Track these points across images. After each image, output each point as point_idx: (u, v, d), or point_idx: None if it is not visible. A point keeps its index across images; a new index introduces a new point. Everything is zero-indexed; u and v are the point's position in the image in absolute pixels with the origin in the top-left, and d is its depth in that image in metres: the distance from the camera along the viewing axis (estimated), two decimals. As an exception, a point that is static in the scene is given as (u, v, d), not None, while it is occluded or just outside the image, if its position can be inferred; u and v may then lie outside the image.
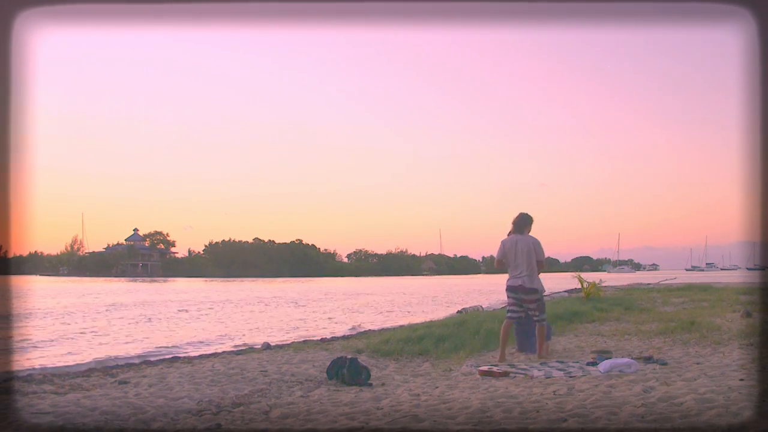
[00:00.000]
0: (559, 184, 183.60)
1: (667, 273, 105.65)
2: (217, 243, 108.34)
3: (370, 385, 5.76)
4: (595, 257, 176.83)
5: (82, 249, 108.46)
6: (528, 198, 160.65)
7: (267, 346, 9.39)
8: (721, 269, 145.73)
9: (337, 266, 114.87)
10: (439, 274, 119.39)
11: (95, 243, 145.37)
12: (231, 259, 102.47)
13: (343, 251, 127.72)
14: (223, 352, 9.31)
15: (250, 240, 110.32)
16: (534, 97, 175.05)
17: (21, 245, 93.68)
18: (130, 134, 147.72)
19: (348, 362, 5.98)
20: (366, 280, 74.67)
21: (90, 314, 19.67)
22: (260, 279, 78.73)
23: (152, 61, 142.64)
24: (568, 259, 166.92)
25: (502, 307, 13.95)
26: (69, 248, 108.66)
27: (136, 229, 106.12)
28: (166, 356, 9.10)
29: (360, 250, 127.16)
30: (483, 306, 18.65)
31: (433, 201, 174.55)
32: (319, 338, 11.06)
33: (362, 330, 13.34)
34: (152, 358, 8.77)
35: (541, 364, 6.73)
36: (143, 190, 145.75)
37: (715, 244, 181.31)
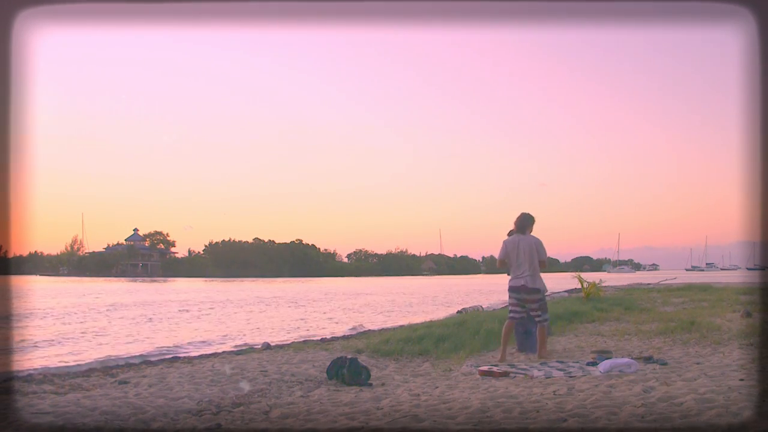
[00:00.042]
0: (559, 184, 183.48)
1: (667, 273, 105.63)
2: (217, 243, 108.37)
3: (370, 385, 5.76)
4: (595, 257, 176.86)
5: (82, 249, 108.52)
6: (528, 198, 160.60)
7: (267, 346, 9.39)
8: (721, 269, 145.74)
9: (337, 266, 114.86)
10: (439, 274, 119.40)
11: (95, 243, 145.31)
12: (231, 259, 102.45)
13: (343, 251, 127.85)
14: (223, 352, 9.32)
15: (250, 240, 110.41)
16: (534, 97, 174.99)
17: (21, 245, 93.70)
18: (130, 134, 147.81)
19: (348, 362, 5.98)
20: (366, 280, 74.67)
21: (90, 314, 19.67)
22: (260, 279, 78.72)
23: (152, 61, 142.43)
24: (568, 259, 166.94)
25: (503, 307, 13.98)
26: (69, 248, 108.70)
27: (136, 229, 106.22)
28: (166, 356, 9.10)
29: (360, 250, 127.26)
30: (483, 306, 18.65)
31: (433, 201, 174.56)
32: (319, 338, 11.06)
33: (362, 330, 13.34)
34: (152, 358, 8.77)
35: (541, 364, 6.73)
36: (143, 190, 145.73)
37: (715, 244, 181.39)
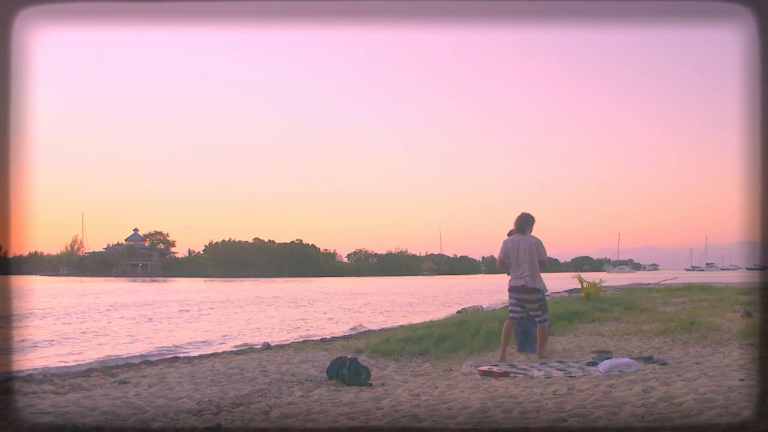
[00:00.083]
0: (559, 184, 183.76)
1: (667, 273, 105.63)
2: (217, 243, 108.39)
3: (370, 385, 5.76)
4: (595, 257, 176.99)
5: (82, 249, 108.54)
6: (528, 198, 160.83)
7: (267, 346, 9.39)
8: (721, 269, 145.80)
9: (337, 266, 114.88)
10: (439, 274, 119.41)
11: (95, 243, 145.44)
12: (231, 259, 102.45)
13: (343, 251, 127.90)
14: (223, 352, 9.32)
15: (250, 240, 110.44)
16: (534, 97, 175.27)
17: (21, 245, 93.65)
18: (130, 134, 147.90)
19: (348, 362, 5.98)
20: (366, 280, 74.66)
21: (90, 314, 19.67)
22: (260, 279, 78.72)
23: (152, 61, 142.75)
24: (568, 259, 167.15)
25: (503, 307, 13.97)
26: (69, 248, 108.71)
27: (136, 229, 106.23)
28: (166, 356, 9.10)
29: (360, 250, 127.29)
30: (483, 306, 18.66)
31: (433, 201, 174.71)
32: (319, 338, 11.06)
33: (362, 330, 13.34)
34: (152, 358, 8.77)
35: (541, 364, 6.73)
36: (143, 190, 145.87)
37: (715, 244, 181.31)
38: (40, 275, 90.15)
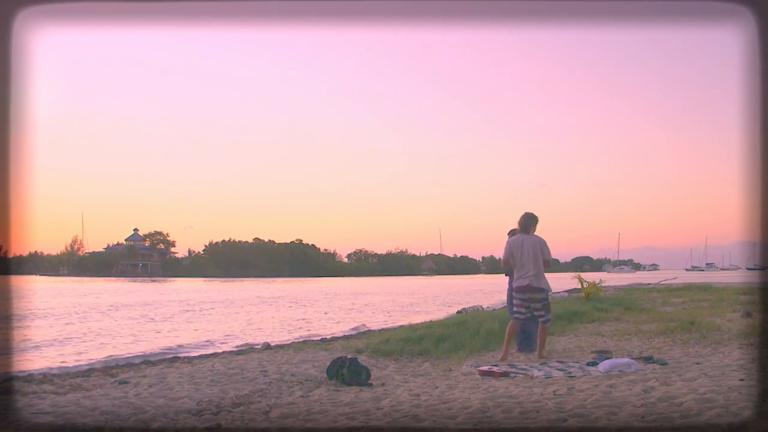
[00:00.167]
0: (559, 184, 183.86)
1: (667, 273, 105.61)
2: (217, 243, 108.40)
3: (370, 385, 5.76)
4: (595, 257, 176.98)
5: (82, 249, 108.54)
6: (528, 198, 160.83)
7: (267, 346, 9.39)
8: (721, 269, 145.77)
9: (337, 266, 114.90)
10: (439, 274, 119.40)
11: (95, 243, 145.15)
12: (231, 259, 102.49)
13: (343, 251, 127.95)
14: (224, 352, 9.32)
15: (250, 240, 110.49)
16: (534, 97, 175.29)
17: (21, 245, 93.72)
18: (130, 134, 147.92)
19: (348, 362, 5.98)
20: (366, 280, 74.67)
21: (91, 314, 19.67)
22: (260, 279, 78.72)
23: (152, 61, 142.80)
24: (568, 259, 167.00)
25: (502, 307, 13.96)
26: (69, 248, 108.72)
27: (136, 229, 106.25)
28: (167, 356, 9.10)
29: (360, 250, 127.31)
30: (483, 306, 18.67)
31: (433, 201, 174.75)
32: (319, 338, 11.06)
33: (362, 330, 13.34)
34: (152, 358, 8.77)
35: (541, 364, 6.73)
36: (143, 190, 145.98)
37: (715, 244, 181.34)
38: (40, 275, 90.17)
